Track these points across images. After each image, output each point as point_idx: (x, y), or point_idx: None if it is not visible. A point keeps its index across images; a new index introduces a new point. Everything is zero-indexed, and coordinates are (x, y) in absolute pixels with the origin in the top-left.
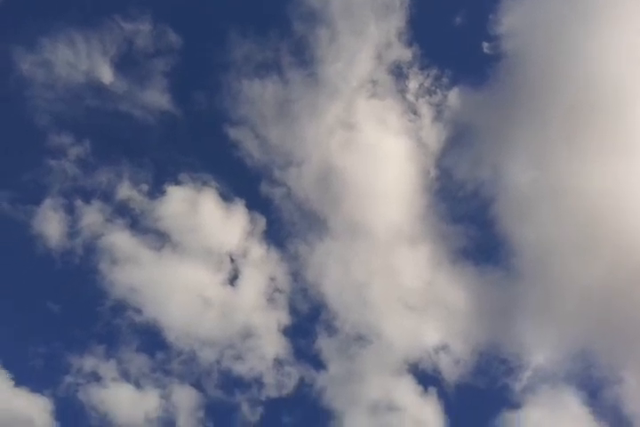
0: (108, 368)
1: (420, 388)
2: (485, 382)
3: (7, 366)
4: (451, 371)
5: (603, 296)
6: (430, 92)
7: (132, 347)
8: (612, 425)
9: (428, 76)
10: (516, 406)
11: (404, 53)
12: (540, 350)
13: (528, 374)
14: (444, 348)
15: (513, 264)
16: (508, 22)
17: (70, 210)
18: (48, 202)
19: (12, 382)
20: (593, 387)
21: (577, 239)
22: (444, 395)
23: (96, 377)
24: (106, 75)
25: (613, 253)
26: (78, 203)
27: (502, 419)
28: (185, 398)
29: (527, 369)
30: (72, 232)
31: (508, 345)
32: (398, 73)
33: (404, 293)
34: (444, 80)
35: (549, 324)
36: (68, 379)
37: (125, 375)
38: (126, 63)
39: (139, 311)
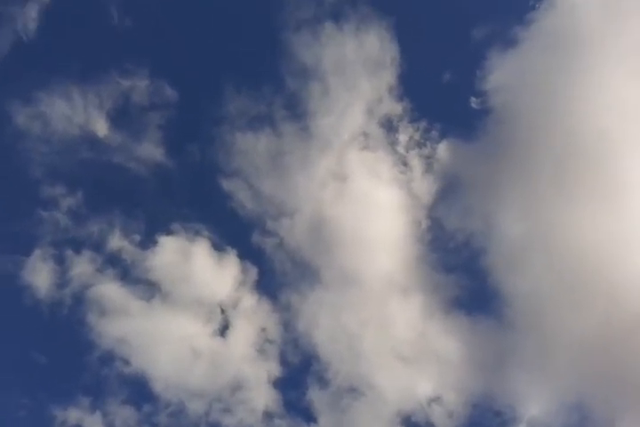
0: (93, 421)
1: None
2: None
3: None
4: (444, 423)
5: (597, 347)
6: (420, 145)
7: (118, 399)
8: None
9: (417, 129)
10: None
11: (394, 107)
12: (534, 401)
13: (522, 426)
14: (436, 400)
15: (506, 315)
16: (495, 78)
17: (60, 260)
18: (38, 252)
19: None
20: None
21: (570, 290)
22: None
23: None
24: (101, 128)
25: (607, 303)
26: (69, 253)
27: None
28: None
29: (521, 421)
30: (61, 283)
31: (501, 397)
32: (389, 126)
33: (397, 343)
34: (434, 133)
35: (543, 375)
36: None
37: None
38: (122, 117)
39: (127, 362)
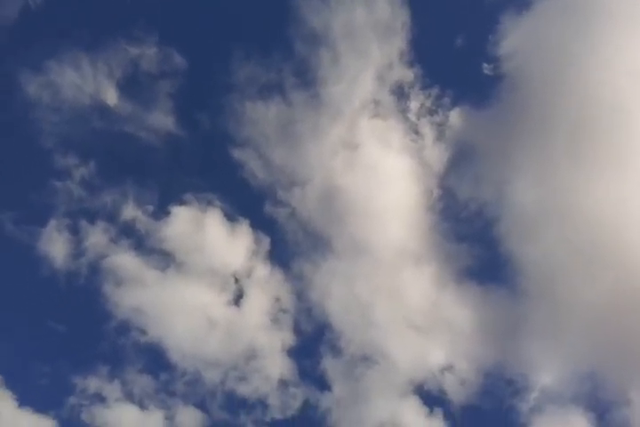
0: (112, 389)
1: (426, 409)
2: (492, 402)
3: (11, 387)
4: (456, 392)
5: (610, 315)
6: (432, 112)
7: (136, 367)
8: None
9: (429, 96)
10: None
11: (405, 74)
12: (546, 370)
13: (535, 394)
14: (449, 368)
15: (518, 283)
16: (508, 43)
17: (75, 231)
18: (53, 223)
19: (17, 403)
20: (601, 408)
21: (583, 258)
22: (450, 416)
23: (100, 398)
24: (111, 97)
25: (620, 271)
26: (83, 224)
27: None
28: (189, 419)
29: (534, 390)
30: (77, 253)
31: (514, 365)
32: (400, 93)
33: (409, 312)
34: (446, 100)
35: (556, 344)
36: (72, 400)
37: (129, 396)
38: (131, 85)
39: (143, 332)
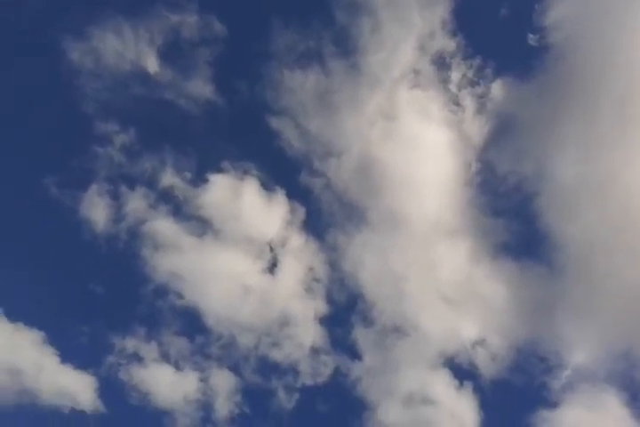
0: (149, 350)
1: (456, 382)
2: (523, 379)
3: (54, 343)
4: (487, 366)
5: None
6: (473, 84)
7: (172, 330)
8: None
9: (471, 66)
10: (553, 405)
11: (447, 44)
12: (580, 348)
13: (567, 372)
14: (481, 343)
15: (555, 260)
16: (555, 13)
17: (115, 196)
18: (94, 188)
19: (59, 359)
20: (635, 388)
21: (623, 236)
22: (479, 390)
23: (137, 358)
24: (151, 64)
25: None
26: (123, 189)
27: (539, 417)
28: (223, 381)
29: (567, 368)
30: (117, 218)
31: (547, 343)
32: (441, 63)
33: (443, 286)
34: (488, 71)
35: (591, 322)
36: (111, 359)
37: (166, 357)
38: (172, 53)
39: (180, 296)
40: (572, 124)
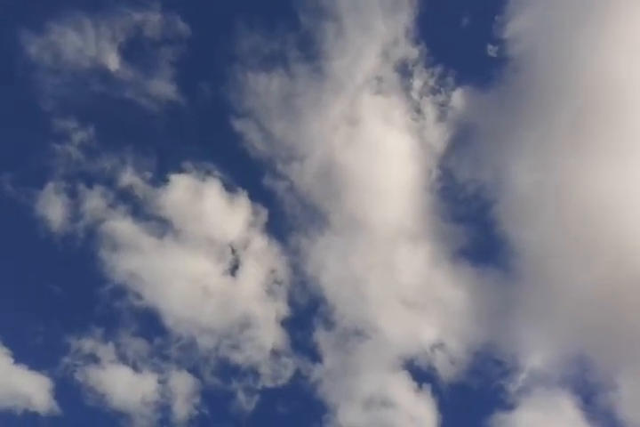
0: (106, 351)
1: (415, 384)
2: (480, 381)
3: (7, 344)
4: (446, 369)
5: (602, 300)
6: (435, 92)
7: (130, 331)
8: None
9: (433, 74)
10: (509, 407)
11: (410, 51)
12: (536, 352)
13: (523, 376)
14: (440, 346)
15: (512, 265)
16: (514, 26)
17: (73, 194)
18: (51, 186)
19: (12, 360)
20: (588, 391)
21: (577, 242)
22: (438, 393)
23: (94, 359)
24: (112, 61)
25: (614, 257)
26: (81, 187)
27: (496, 420)
28: (182, 383)
29: (522, 371)
30: (74, 217)
31: (504, 346)
32: (404, 71)
33: (403, 289)
34: (449, 80)
35: (547, 326)
36: (67, 359)
37: (123, 359)
38: (133, 51)
39: (138, 297)
40: (529, 133)
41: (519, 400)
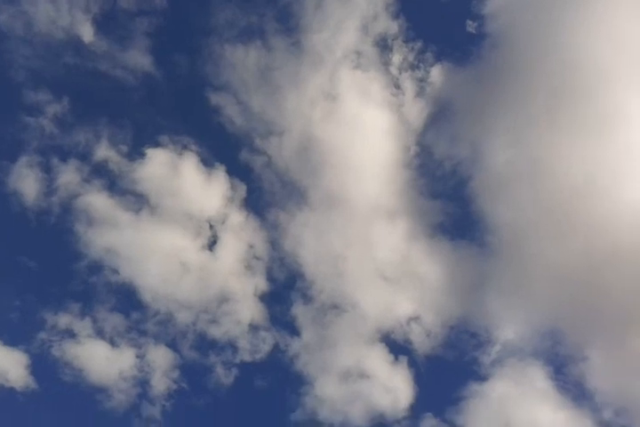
0: (82, 326)
1: (391, 357)
2: (455, 354)
3: None
4: (422, 342)
5: (574, 276)
6: (414, 67)
7: (107, 306)
8: (574, 400)
9: (412, 49)
10: (483, 378)
11: (389, 26)
12: (509, 325)
13: (497, 348)
14: (416, 319)
15: (487, 241)
16: (493, 2)
17: (47, 169)
18: (24, 159)
19: None
20: (558, 363)
21: (552, 219)
22: (414, 365)
23: (71, 334)
24: (87, 32)
25: (586, 235)
26: (55, 161)
27: (470, 390)
28: (160, 358)
29: (496, 344)
30: (48, 191)
31: (478, 319)
32: (383, 45)
33: (380, 264)
34: (428, 55)
35: (520, 301)
36: (43, 335)
37: (100, 334)
38: (108, 22)
39: (115, 272)
40: (506, 110)
41: (492, 371)
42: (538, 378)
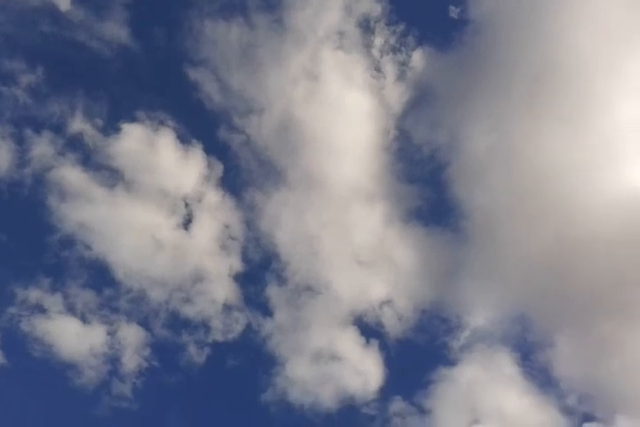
0: (53, 301)
1: (363, 340)
2: (425, 338)
3: None
4: (393, 326)
5: (545, 264)
6: (395, 50)
7: (79, 282)
8: (540, 385)
9: (394, 32)
10: (452, 362)
11: (373, 7)
12: (479, 311)
13: (466, 333)
14: (388, 303)
15: (462, 227)
16: None
17: (20, 140)
18: None
19: None
20: (526, 349)
21: (526, 207)
22: (385, 348)
23: (41, 309)
24: (63, 1)
25: (559, 224)
26: (28, 133)
27: (439, 374)
28: (131, 335)
29: (466, 329)
30: (20, 163)
31: (449, 305)
32: (366, 27)
33: (355, 248)
34: (410, 39)
35: (491, 287)
36: (12, 309)
37: (71, 310)
38: None
39: (88, 247)
40: (486, 97)
41: (461, 356)
42: (505, 364)
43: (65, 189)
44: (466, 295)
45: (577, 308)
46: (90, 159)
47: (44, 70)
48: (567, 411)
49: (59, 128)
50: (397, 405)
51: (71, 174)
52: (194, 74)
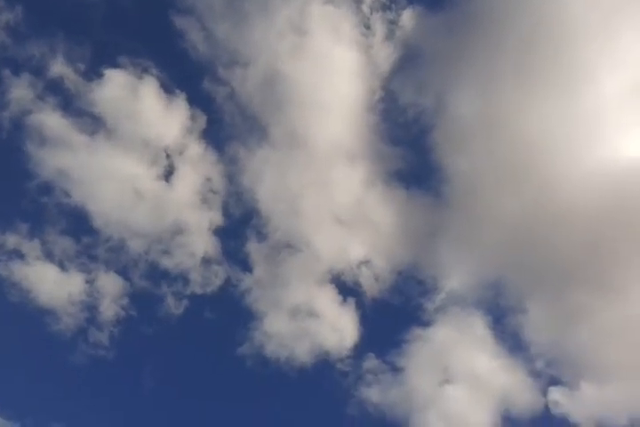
0: (31, 247)
1: (340, 298)
2: (401, 299)
3: None
4: (370, 285)
5: (522, 231)
6: (385, 8)
7: (57, 229)
8: (510, 349)
9: None
10: (426, 324)
11: None
12: (455, 275)
13: (441, 296)
14: (366, 263)
15: (443, 191)
16: None
17: None
18: None
19: None
20: (499, 313)
21: (508, 174)
22: (361, 307)
23: (19, 255)
24: None
25: (539, 192)
26: (6, 74)
27: (413, 334)
28: (110, 284)
29: (441, 291)
30: None
31: (426, 267)
32: None
33: (336, 207)
34: None
35: (468, 252)
36: None
37: (49, 256)
38: None
39: (66, 194)
40: (474, 61)
41: (435, 318)
42: (478, 327)
43: (44, 135)
44: (443, 259)
45: (550, 275)
46: (70, 104)
47: (24, 9)
48: (535, 374)
49: (39, 71)
50: (371, 362)
51: (51, 119)
52: (179, 21)
